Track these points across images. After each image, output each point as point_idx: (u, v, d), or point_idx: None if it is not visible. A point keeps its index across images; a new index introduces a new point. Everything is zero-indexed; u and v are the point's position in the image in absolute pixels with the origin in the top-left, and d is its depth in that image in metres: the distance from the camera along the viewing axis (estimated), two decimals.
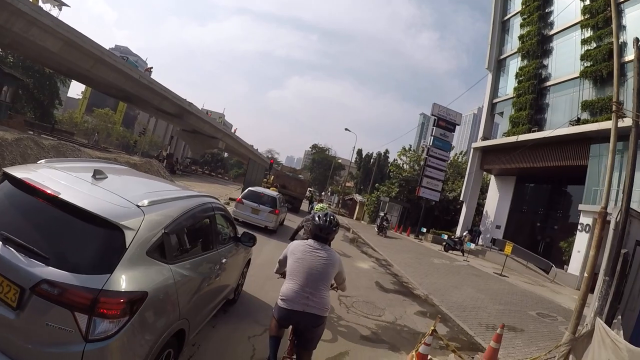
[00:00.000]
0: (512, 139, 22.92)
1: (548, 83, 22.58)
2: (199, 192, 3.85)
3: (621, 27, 17.96)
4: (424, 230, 26.49)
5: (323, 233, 3.01)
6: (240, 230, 5.02)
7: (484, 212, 28.08)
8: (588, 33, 19.70)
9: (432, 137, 28.72)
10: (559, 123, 20.53)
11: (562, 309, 10.76)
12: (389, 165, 77.65)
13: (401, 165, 36.77)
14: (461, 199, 28.70)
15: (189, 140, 57.20)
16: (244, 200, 12.73)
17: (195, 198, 3.44)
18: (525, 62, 24.09)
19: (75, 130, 51.80)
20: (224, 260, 3.88)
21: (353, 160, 71.81)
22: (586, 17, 19.78)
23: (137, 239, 2.32)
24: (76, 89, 77.17)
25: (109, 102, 66.95)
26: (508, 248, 15.41)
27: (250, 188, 13.96)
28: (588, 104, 18.71)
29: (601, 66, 18.17)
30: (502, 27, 28.18)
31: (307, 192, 58.54)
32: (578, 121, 18.85)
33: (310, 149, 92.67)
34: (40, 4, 26.54)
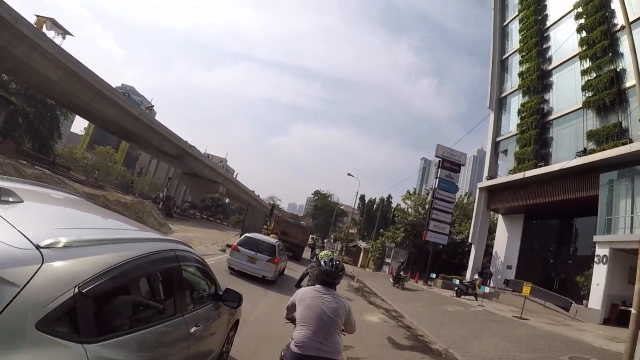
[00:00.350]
0: (518, 176, 21.94)
1: (551, 117, 22.02)
2: (162, 236, 2.72)
3: (618, 55, 17.79)
4: (433, 275, 24.68)
5: (330, 278, 3.08)
6: (233, 281, 3.79)
7: (494, 253, 26.44)
8: (587, 64, 19.48)
9: (437, 179, 27.78)
10: (565, 156, 19.86)
11: (594, 348, 9.32)
12: (393, 210, 76.56)
13: (406, 209, 35.48)
14: (469, 240, 27.14)
15: (189, 183, 56.73)
16: (239, 248, 11.52)
17: (152, 242, 2.36)
18: (527, 98, 23.73)
19: (74, 165, 51.42)
20: (193, 330, 2.70)
21: (356, 207, 70.52)
22: (584, 48, 19.68)
23: (19, 302, 1.35)
24: (79, 125, 78.97)
25: (111, 140, 67.20)
26: (526, 289, 13.82)
27: (247, 234, 12.79)
28: (593, 134, 18.06)
29: (603, 94, 17.75)
30: (502, 66, 28.29)
31: (310, 239, 56.92)
32: (585, 152, 18.00)
33: (312, 196, 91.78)
34: (45, 30, 26.97)
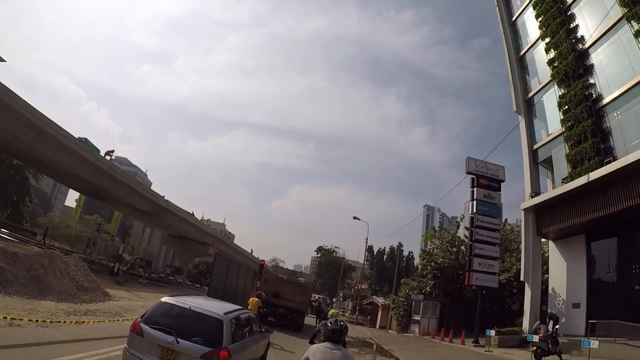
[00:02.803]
0: (580, 181, 16.39)
1: (604, 101, 17.03)
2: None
3: None
4: (492, 333, 17.93)
5: (336, 335, 3.51)
6: None
7: (550, 291, 20.12)
8: (638, 24, 15.07)
9: (475, 202, 21.60)
10: (637, 142, 14.75)
11: None
12: (406, 257, 69.27)
13: (431, 250, 28.94)
14: (521, 278, 20.68)
15: (175, 246, 50.56)
16: (144, 328, 5.32)
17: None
18: (565, 87, 18.96)
19: (57, 234, 49.75)
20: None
21: (364, 257, 63.42)
22: (628, 9, 15.47)
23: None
24: (74, 198, 77.13)
25: (103, 210, 64.31)
26: None
27: (166, 299, 5.96)
28: None
29: None
30: (520, 64, 23.98)
31: (313, 301, 48.88)
32: None
33: (315, 252, 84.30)
34: None
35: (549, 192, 19.84)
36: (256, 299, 13.33)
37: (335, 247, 79.79)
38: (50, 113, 25.10)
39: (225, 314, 5.70)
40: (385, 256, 67.68)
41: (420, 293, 25.66)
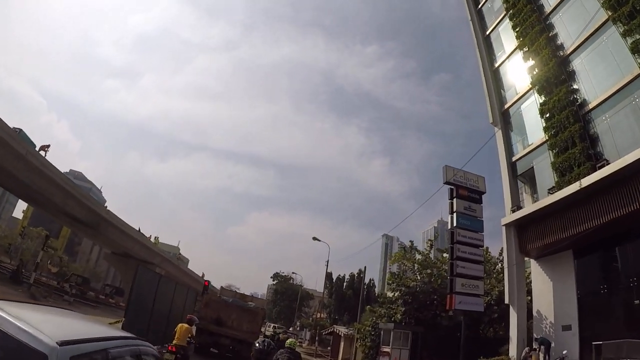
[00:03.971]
0: (571, 188, 15.05)
1: (591, 105, 16.14)
2: None
3: None
4: None
5: (263, 355, 3.99)
6: None
7: (535, 313, 18.32)
8: (623, 26, 14.51)
9: (455, 215, 19.43)
10: (630, 145, 13.58)
11: None
12: (367, 284, 66.51)
13: (401, 274, 26.22)
14: (506, 301, 18.78)
15: (119, 265, 45.16)
16: None
17: None
18: (547, 94, 18.08)
19: None
20: None
21: (324, 283, 60.12)
22: (612, 11, 14.97)
23: None
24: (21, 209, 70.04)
25: (52, 225, 58.09)
26: None
27: None
28: None
29: None
30: (495, 77, 23.30)
31: (268, 330, 44.28)
32: None
33: (271, 279, 79.55)
34: None
35: (532, 204, 18.44)
36: (186, 325, 10.20)
37: (293, 273, 75.89)
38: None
39: (64, 343, 2.47)
40: (345, 284, 64.76)
41: (389, 321, 23.05)
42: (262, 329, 49.48)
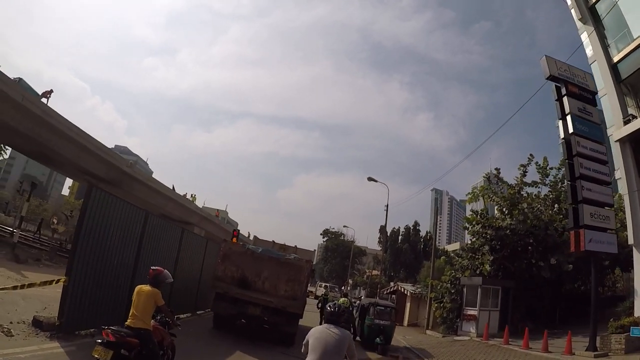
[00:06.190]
0: None
1: None
2: None
3: None
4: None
5: (334, 317, 3.86)
6: None
7: None
8: None
9: (570, 117, 13.45)
10: None
11: None
12: (424, 238, 60.86)
13: (484, 212, 19.93)
14: (630, 241, 13.33)
15: None
16: None
17: None
18: None
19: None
20: None
21: (376, 239, 55.12)
22: None
23: None
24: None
25: None
26: None
27: None
28: None
29: None
30: None
31: (320, 290, 40.14)
32: None
33: (321, 236, 76.32)
34: None
35: None
36: (147, 287, 5.25)
37: (344, 227, 71.88)
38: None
39: None
40: (400, 237, 59.59)
41: (474, 274, 17.57)
42: (313, 289, 46.44)
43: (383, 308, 14.41)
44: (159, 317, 5.68)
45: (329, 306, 4.00)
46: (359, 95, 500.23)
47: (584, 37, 17.27)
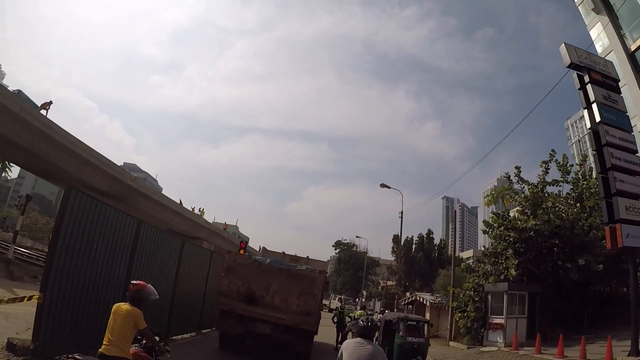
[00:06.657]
0: None
1: None
2: None
3: None
4: None
5: (367, 331, 3.87)
6: None
7: None
8: None
9: (595, 105, 12.46)
10: None
11: None
12: (438, 246, 59.15)
13: (504, 214, 18.58)
14: None
15: None
16: None
17: None
18: None
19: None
20: None
21: (389, 249, 53.66)
22: None
23: None
24: None
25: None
26: None
27: None
28: None
29: None
30: None
31: (335, 303, 36.78)
32: None
33: (333, 248, 75.03)
34: None
35: None
36: (126, 306, 4.35)
37: (357, 237, 70.54)
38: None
39: None
40: (414, 246, 58.02)
41: (499, 280, 16.34)
42: (327, 302, 44.42)
43: (415, 323, 12.33)
44: (144, 342, 4.79)
45: (362, 320, 4.00)
46: (365, 106, 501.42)
47: (594, 32, 16.90)
